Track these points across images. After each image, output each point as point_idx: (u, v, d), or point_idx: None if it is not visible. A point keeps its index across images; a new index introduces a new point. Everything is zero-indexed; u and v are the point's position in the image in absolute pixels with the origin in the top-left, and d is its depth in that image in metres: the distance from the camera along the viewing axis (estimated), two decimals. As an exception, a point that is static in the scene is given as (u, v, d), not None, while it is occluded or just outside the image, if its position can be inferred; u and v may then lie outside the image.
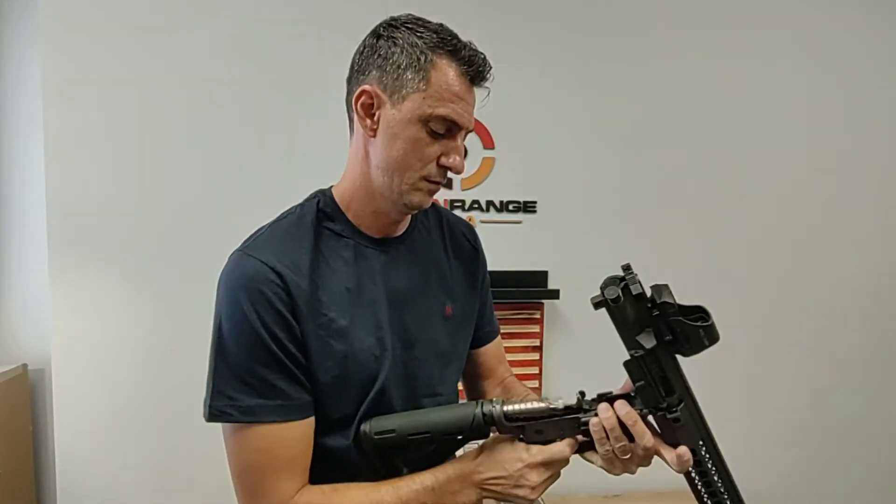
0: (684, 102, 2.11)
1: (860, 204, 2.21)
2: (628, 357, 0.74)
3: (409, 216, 0.91)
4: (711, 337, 0.69)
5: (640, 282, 0.71)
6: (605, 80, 2.07)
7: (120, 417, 1.90)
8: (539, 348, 2.08)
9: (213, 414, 0.75)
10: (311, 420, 0.79)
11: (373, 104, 0.79)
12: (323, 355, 0.78)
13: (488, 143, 2.04)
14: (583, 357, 2.08)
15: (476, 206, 2.04)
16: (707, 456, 0.76)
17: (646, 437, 0.73)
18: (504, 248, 2.04)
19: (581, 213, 2.09)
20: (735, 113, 2.14)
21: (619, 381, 0.80)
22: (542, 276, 2.07)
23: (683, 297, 0.71)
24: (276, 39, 1.93)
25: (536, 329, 2.07)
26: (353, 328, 0.80)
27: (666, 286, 0.72)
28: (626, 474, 0.78)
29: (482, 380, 1.07)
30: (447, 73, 0.77)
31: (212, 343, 0.78)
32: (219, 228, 1.91)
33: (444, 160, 0.79)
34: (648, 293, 0.72)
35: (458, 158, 0.80)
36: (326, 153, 1.96)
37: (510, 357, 2.25)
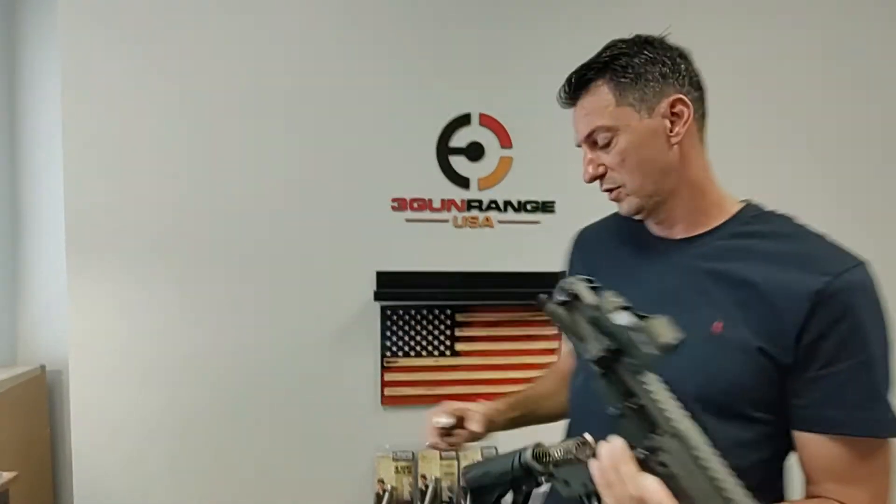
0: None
1: None
2: None
3: (697, 220, 0.94)
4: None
5: None
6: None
7: (136, 419, 1.89)
8: (556, 351, 2.03)
9: None
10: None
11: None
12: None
13: (506, 142, 2.00)
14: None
15: (493, 206, 2.01)
16: None
17: None
18: (522, 248, 2.00)
19: (600, 213, 2.04)
20: (741, 108, 2.08)
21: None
22: (559, 278, 2.03)
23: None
24: (297, 43, 1.93)
25: (554, 331, 2.02)
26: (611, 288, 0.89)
27: None
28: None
29: (808, 483, 0.83)
30: None
31: None
32: (235, 233, 1.92)
33: None
34: None
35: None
36: (341, 158, 1.96)
37: (527, 360, 2.19)
